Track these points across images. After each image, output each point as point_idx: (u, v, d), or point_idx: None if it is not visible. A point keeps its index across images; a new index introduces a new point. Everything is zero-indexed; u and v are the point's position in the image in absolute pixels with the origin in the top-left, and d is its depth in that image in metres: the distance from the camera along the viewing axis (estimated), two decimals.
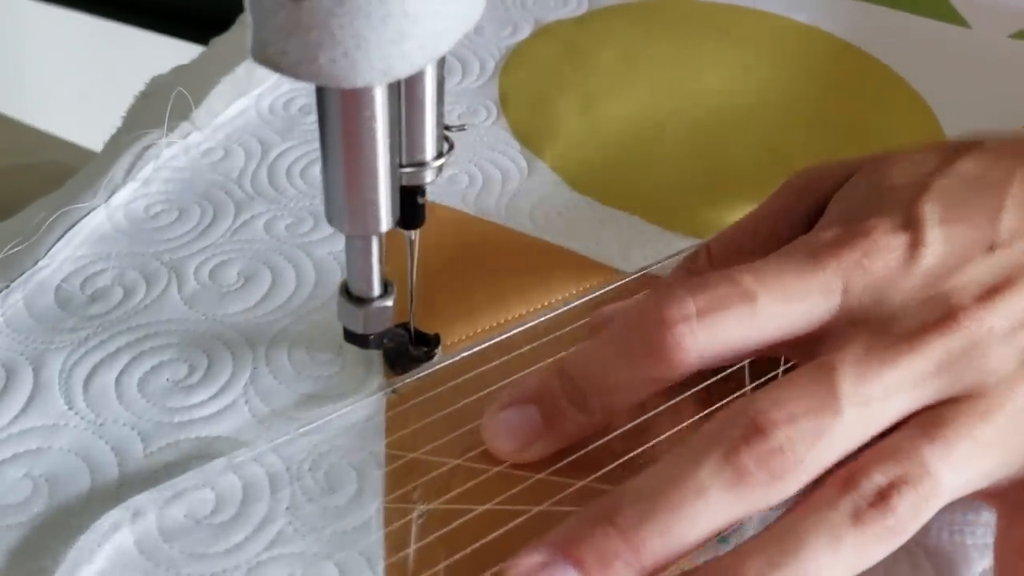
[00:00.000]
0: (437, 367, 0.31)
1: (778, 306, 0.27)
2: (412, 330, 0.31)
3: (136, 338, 0.32)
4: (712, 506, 0.24)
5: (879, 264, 0.27)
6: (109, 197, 0.37)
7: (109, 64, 0.93)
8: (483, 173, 0.40)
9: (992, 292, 0.27)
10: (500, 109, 0.44)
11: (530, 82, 0.45)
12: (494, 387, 0.31)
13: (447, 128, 0.27)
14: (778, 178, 0.40)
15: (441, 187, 0.39)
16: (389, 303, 0.28)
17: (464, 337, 0.33)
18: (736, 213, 0.38)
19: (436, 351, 0.31)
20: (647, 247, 0.37)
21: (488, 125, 0.43)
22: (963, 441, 0.25)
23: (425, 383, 0.31)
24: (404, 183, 0.27)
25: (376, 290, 0.28)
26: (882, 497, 0.24)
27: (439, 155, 0.27)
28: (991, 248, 0.28)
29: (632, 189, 0.39)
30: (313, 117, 0.42)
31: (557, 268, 0.35)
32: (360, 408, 0.30)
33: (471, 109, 0.44)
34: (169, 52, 0.61)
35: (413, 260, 0.30)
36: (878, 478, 0.24)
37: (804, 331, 0.27)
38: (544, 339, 0.33)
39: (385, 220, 0.25)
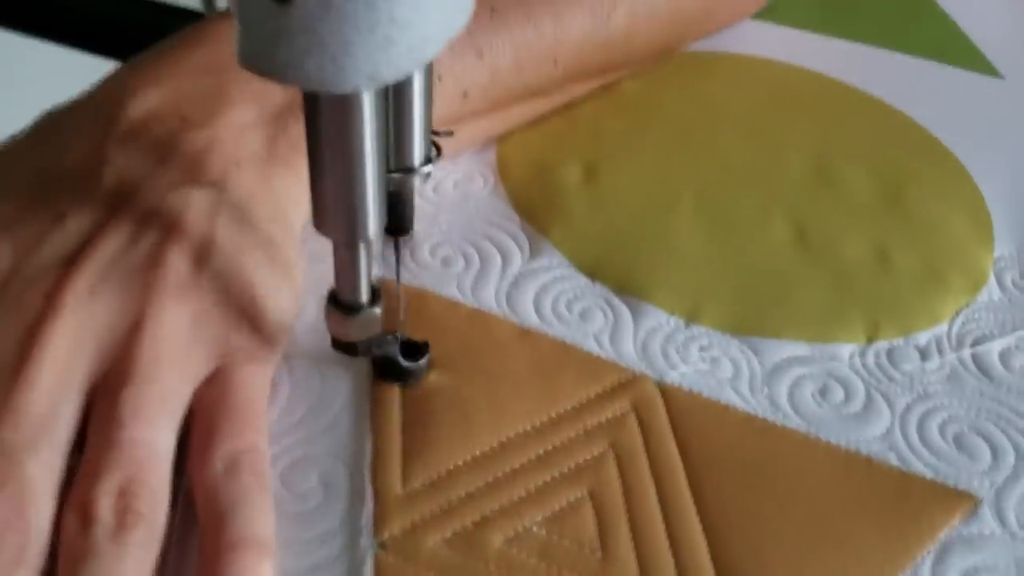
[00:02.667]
0: (428, 513, 0.27)
1: None
2: (400, 339, 0.30)
3: None
4: None
5: None
6: None
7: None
8: (480, 254, 0.36)
9: (72, 261, 0.27)
10: (498, 177, 0.40)
11: (531, 146, 0.41)
12: (497, 535, 0.27)
13: (435, 134, 0.27)
14: (808, 259, 0.36)
15: (435, 272, 0.35)
16: (377, 311, 0.28)
17: (461, 463, 0.29)
18: (765, 303, 0.34)
19: (424, 359, 0.30)
20: (668, 344, 0.33)
21: (485, 195, 0.39)
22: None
23: (417, 528, 0.27)
24: (392, 189, 0.26)
25: (364, 298, 0.27)
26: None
27: (427, 161, 0.27)
28: (60, 218, 0.28)
29: (648, 274, 0.35)
30: None
31: (566, 370, 0.31)
32: (346, 560, 0.26)
33: (467, 175, 0.40)
34: None
35: (399, 266, 0.30)
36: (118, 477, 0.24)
37: None
38: (553, 472, 0.29)
39: (373, 226, 0.25)
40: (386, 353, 0.30)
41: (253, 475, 0.25)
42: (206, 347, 0.27)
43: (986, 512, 0.28)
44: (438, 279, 0.35)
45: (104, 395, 0.26)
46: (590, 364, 0.32)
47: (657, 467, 0.29)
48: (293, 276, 0.31)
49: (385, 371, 0.30)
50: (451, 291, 0.34)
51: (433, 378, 0.31)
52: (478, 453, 0.29)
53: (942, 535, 0.28)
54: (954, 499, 0.29)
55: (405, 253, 0.35)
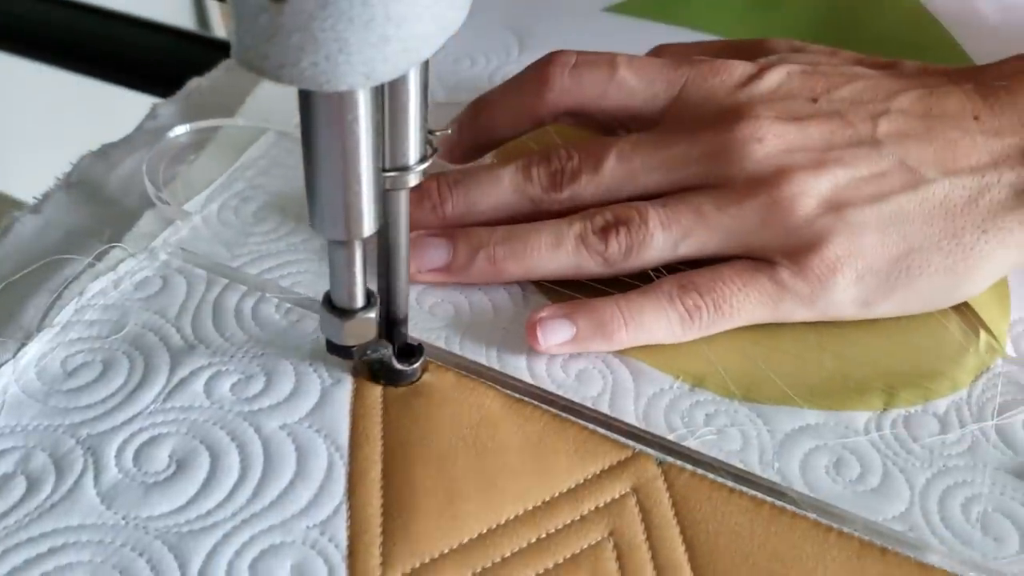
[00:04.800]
0: None
1: (631, 79, 0.34)
2: (395, 341, 0.30)
3: (35, 555, 0.26)
4: (505, 193, 0.34)
5: (719, 79, 0.34)
6: (18, 351, 0.30)
7: (62, 117, 0.86)
8: (470, 303, 0.34)
9: (784, 121, 0.32)
10: None
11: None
12: None
13: (431, 132, 0.27)
14: None
15: (421, 322, 0.33)
16: (372, 315, 0.28)
17: (447, 551, 0.26)
18: (775, 363, 0.32)
19: (419, 362, 0.30)
20: (672, 411, 0.31)
21: None
22: (686, 211, 0.32)
23: None
24: (387, 187, 0.26)
25: (359, 301, 0.27)
26: (604, 230, 0.32)
27: (423, 159, 0.26)
28: (814, 99, 0.33)
29: None
30: (269, 226, 0.36)
31: (562, 446, 0.29)
32: None
33: None
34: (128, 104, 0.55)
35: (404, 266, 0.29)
36: (608, 216, 0.32)
37: (641, 109, 0.34)
38: (547, 562, 0.26)
39: (368, 224, 0.25)
40: (380, 356, 0.29)
41: None
42: None
43: None
44: (426, 331, 0.32)
45: (669, 194, 0.33)
46: (588, 439, 0.29)
47: (660, 561, 0.26)
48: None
49: (379, 374, 0.30)
50: (438, 346, 0.32)
51: (418, 453, 0.28)
52: (465, 540, 0.27)
53: None
54: None
55: None
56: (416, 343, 0.30)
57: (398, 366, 0.30)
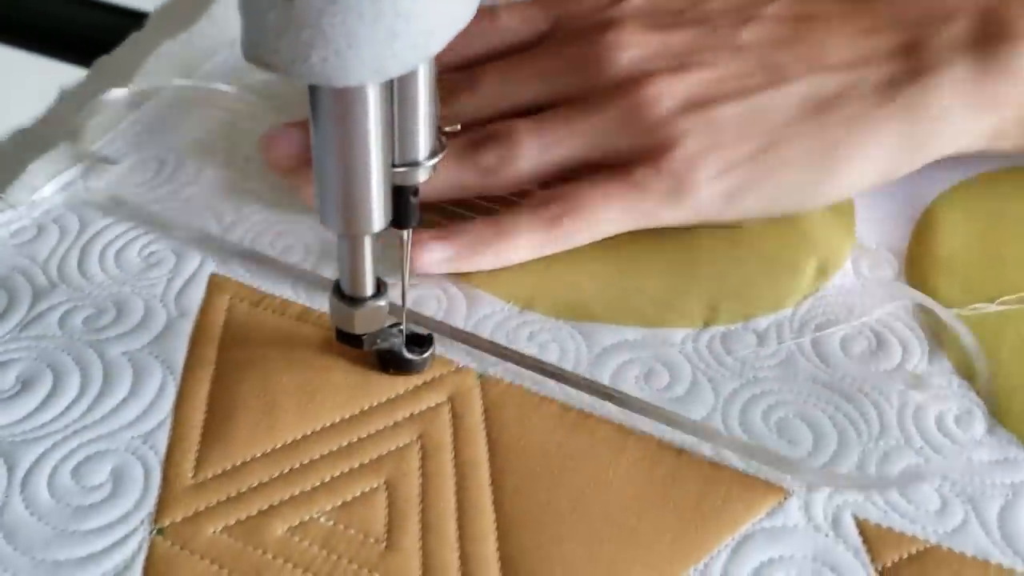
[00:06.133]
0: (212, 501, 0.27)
1: (506, 19, 0.36)
2: (405, 331, 0.30)
3: None
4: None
5: (584, 7, 0.36)
6: None
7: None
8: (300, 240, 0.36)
9: (648, 30, 0.34)
10: None
11: None
12: (281, 524, 0.27)
13: (441, 129, 0.27)
14: (655, 244, 0.35)
15: (281, 247, 0.35)
16: (383, 303, 0.28)
17: (260, 454, 0.28)
18: (603, 288, 0.34)
19: (429, 351, 0.30)
20: (498, 330, 0.32)
21: None
22: (553, 120, 0.33)
23: (200, 516, 0.27)
24: (397, 183, 0.26)
25: (369, 290, 0.28)
26: (478, 143, 0.33)
27: (433, 154, 0.27)
28: (682, 11, 0.35)
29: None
30: (143, 175, 0.38)
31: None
32: (122, 548, 0.26)
33: None
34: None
35: (406, 260, 0.29)
36: (481, 131, 0.34)
37: (519, 43, 0.36)
38: (352, 463, 0.28)
39: (378, 220, 0.25)
40: (390, 346, 0.30)
41: None
42: None
43: (793, 504, 0.28)
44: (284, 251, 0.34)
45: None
46: None
47: (461, 459, 0.28)
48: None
49: (389, 363, 0.30)
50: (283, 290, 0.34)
51: (247, 375, 0.30)
52: (279, 445, 0.28)
53: (744, 527, 0.27)
54: (762, 491, 0.28)
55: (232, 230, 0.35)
56: (426, 333, 0.31)
57: (408, 355, 0.30)
